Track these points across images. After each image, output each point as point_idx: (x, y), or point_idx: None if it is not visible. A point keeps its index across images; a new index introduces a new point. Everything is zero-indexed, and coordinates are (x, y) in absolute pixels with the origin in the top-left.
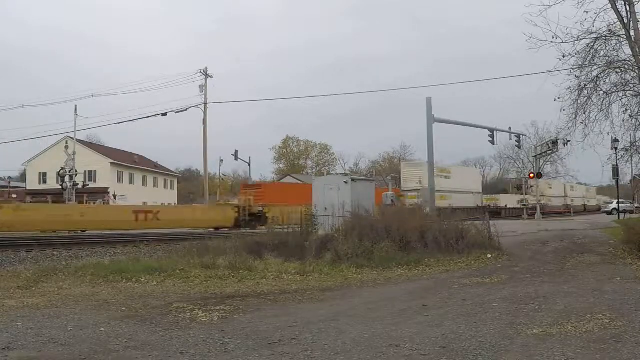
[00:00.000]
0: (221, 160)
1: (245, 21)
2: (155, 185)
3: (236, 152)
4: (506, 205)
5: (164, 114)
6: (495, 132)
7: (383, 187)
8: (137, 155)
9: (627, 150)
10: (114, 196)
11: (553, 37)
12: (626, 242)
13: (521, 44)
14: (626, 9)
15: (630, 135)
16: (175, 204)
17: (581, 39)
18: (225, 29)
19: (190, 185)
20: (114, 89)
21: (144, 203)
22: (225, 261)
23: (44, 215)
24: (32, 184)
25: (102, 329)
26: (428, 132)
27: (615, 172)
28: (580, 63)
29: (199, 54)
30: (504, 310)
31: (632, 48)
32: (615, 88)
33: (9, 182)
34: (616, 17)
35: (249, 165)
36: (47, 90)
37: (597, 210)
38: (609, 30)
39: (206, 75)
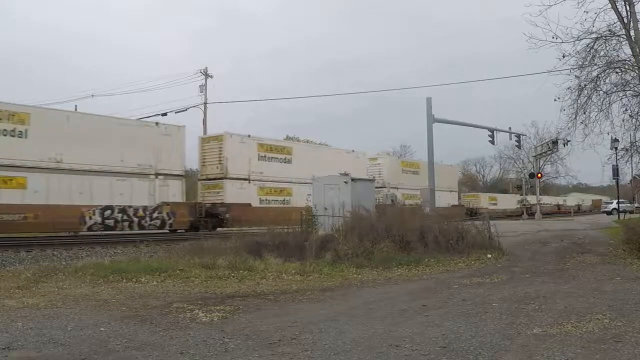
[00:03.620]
0: None
1: (245, 21)
2: None
3: None
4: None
5: (164, 114)
6: (495, 132)
7: None
8: None
9: (627, 150)
10: None
11: (553, 37)
12: (626, 242)
13: (521, 44)
14: (626, 9)
15: (630, 135)
16: None
17: (581, 39)
18: (225, 28)
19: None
20: (114, 89)
21: None
22: (225, 261)
23: None
24: None
25: (102, 329)
26: (428, 132)
27: (615, 172)
28: (580, 63)
29: (199, 54)
30: (504, 310)
31: (632, 48)
32: (615, 88)
33: None
34: (616, 17)
35: None
36: (47, 90)
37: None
38: (609, 30)
39: (206, 75)
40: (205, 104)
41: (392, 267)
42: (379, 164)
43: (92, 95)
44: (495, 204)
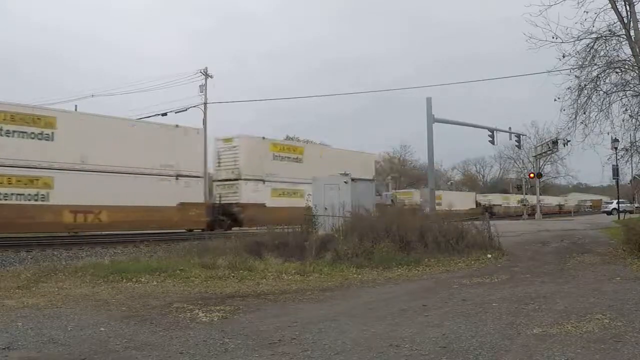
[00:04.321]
0: None
1: (245, 21)
2: None
3: None
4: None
5: (164, 114)
6: (495, 132)
7: None
8: None
9: (627, 150)
10: None
11: (553, 37)
12: (626, 242)
13: (521, 44)
14: (626, 9)
15: (630, 135)
16: None
17: (581, 39)
18: (225, 28)
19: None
20: (114, 89)
21: None
22: (225, 261)
23: None
24: None
25: (102, 329)
26: (428, 132)
27: (615, 172)
28: (580, 63)
29: (199, 54)
30: (504, 310)
31: (632, 48)
32: (615, 88)
33: None
34: (616, 17)
35: None
36: (47, 89)
37: None
38: (609, 30)
39: (206, 75)
40: (205, 104)
41: (392, 267)
42: (235, 147)
43: (92, 95)
44: (438, 204)
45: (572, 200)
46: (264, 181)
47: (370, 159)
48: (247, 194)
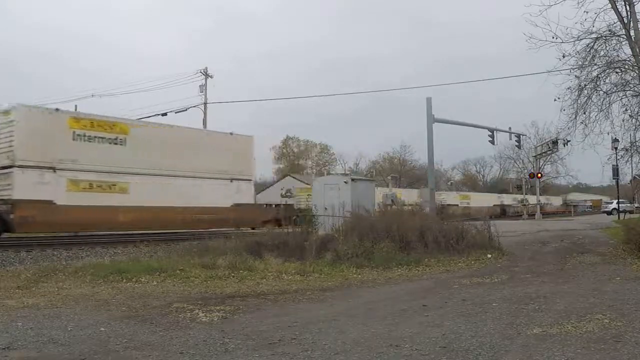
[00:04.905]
0: None
1: (245, 21)
2: None
3: None
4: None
5: (164, 114)
6: (495, 132)
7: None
8: None
9: (627, 150)
10: None
11: (553, 37)
12: (626, 242)
13: (521, 44)
14: (626, 9)
15: (630, 135)
16: None
17: (581, 39)
18: (225, 28)
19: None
20: (114, 89)
21: None
22: (225, 261)
23: None
24: None
25: (102, 329)
26: (428, 132)
27: (615, 172)
28: (580, 63)
29: (199, 54)
30: (504, 310)
31: (632, 48)
32: (615, 88)
33: None
34: (616, 17)
35: None
36: (47, 90)
37: None
38: (609, 30)
39: (206, 75)
40: (205, 104)
41: (392, 267)
42: (12, 122)
43: (92, 95)
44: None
45: (556, 199)
46: (54, 169)
47: (246, 145)
48: (25, 186)
